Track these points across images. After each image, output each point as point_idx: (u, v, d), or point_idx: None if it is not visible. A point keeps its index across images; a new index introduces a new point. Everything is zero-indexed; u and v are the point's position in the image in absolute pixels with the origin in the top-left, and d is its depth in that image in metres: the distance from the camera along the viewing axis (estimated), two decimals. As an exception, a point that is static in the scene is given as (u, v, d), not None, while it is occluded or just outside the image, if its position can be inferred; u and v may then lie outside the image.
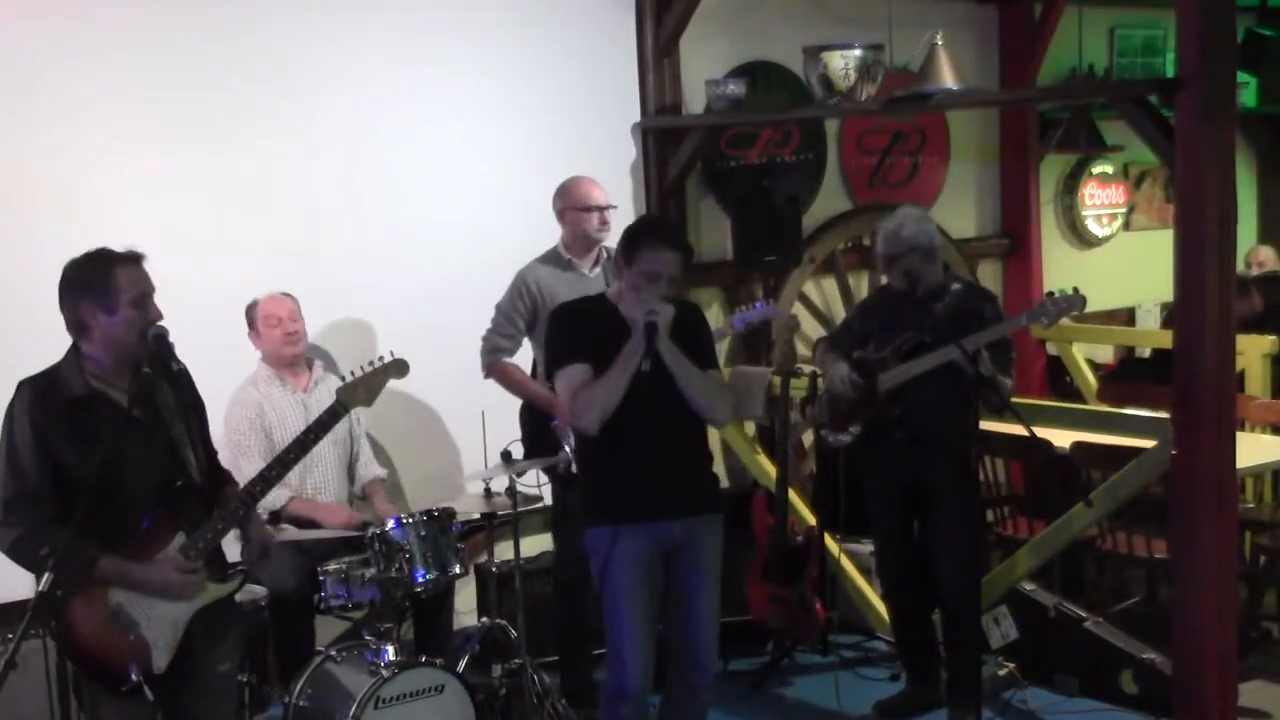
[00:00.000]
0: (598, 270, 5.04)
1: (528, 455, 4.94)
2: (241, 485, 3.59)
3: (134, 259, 3.35)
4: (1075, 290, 4.53)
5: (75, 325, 3.33)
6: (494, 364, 5.02)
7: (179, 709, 3.41)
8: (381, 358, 3.82)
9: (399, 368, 3.81)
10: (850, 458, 5.01)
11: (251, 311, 4.93)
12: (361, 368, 3.78)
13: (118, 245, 3.37)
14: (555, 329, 4.09)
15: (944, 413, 4.61)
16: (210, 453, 3.60)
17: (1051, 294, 4.85)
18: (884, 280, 5.05)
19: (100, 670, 3.29)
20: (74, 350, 3.36)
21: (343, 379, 3.88)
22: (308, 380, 4.98)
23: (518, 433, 5.03)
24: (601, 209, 5.01)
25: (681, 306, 4.01)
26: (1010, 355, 4.75)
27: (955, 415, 4.52)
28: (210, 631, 3.44)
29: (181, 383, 3.47)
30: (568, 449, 4.74)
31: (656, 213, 6.15)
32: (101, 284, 3.29)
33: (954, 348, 4.39)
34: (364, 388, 3.74)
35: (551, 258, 5.05)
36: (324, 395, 4.94)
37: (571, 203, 5.03)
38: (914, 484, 4.80)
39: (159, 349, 3.33)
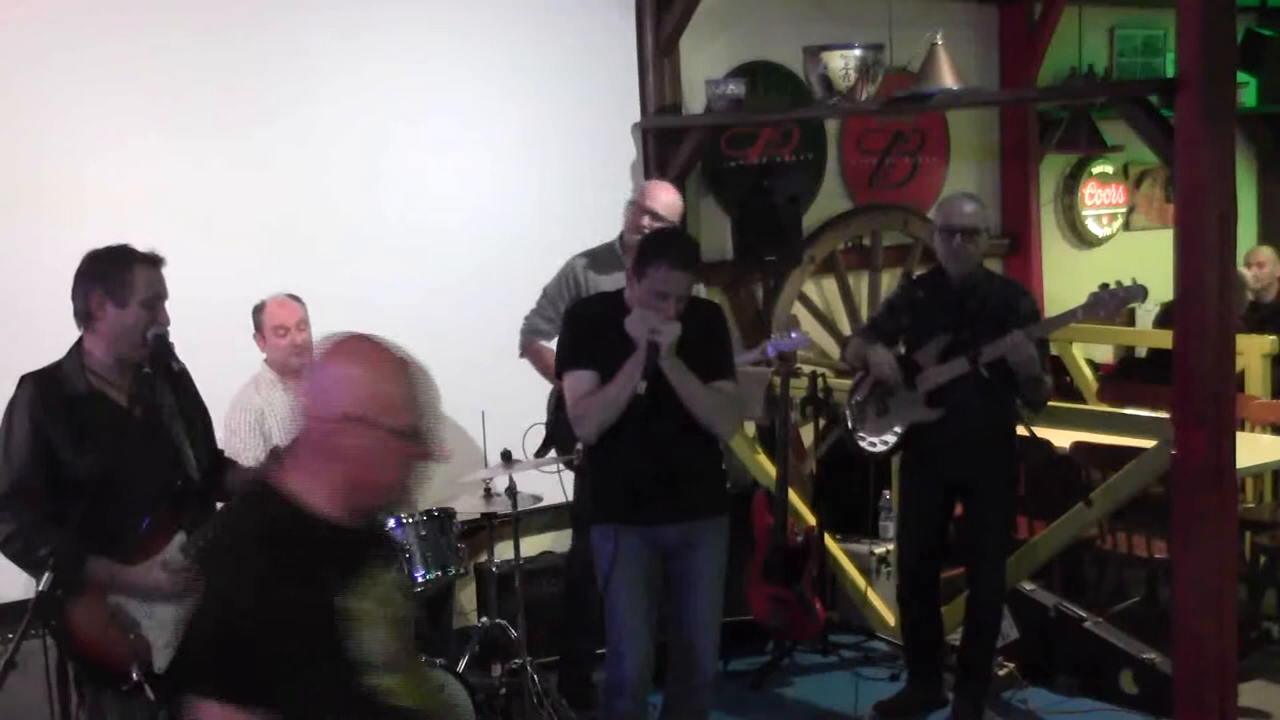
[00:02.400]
0: None
1: (549, 441, 4.93)
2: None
3: (154, 261, 3.38)
4: (1134, 280, 4.45)
5: (82, 314, 3.35)
6: (529, 344, 5.09)
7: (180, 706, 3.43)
8: None
9: None
10: (865, 457, 4.97)
11: (258, 315, 4.90)
12: None
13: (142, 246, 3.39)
14: (567, 328, 4.08)
15: (985, 414, 4.59)
16: (213, 452, 3.60)
17: (1107, 285, 4.72)
18: (926, 272, 4.97)
19: (101, 669, 3.29)
20: (77, 347, 3.37)
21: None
22: (309, 384, 4.98)
23: (518, 433, 5.01)
24: (653, 214, 4.96)
25: (699, 307, 3.99)
26: (1047, 350, 4.71)
27: (996, 416, 4.51)
28: None
29: (182, 383, 3.48)
30: None
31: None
32: (117, 277, 3.31)
33: (964, 360, 4.40)
34: None
35: (605, 249, 5.08)
36: (325, 398, 4.93)
37: (635, 197, 5.08)
38: (956, 486, 4.77)
39: (158, 348, 3.34)
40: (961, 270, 4.65)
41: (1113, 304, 4.49)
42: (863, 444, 4.92)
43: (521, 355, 5.12)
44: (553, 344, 4.97)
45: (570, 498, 5.03)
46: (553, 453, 4.96)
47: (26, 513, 3.24)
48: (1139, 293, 4.46)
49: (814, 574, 5.34)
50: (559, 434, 4.92)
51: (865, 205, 7.03)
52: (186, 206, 5.03)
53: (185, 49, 5.04)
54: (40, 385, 3.31)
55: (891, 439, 4.82)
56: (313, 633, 2.11)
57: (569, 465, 4.98)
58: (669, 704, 4.15)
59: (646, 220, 4.96)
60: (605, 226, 5.30)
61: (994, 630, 4.84)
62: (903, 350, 4.80)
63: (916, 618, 5.03)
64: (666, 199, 5.04)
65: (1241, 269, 6.95)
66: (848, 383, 5.10)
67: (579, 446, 4.71)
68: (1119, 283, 4.51)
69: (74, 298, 3.36)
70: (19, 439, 3.27)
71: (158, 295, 3.36)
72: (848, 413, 4.98)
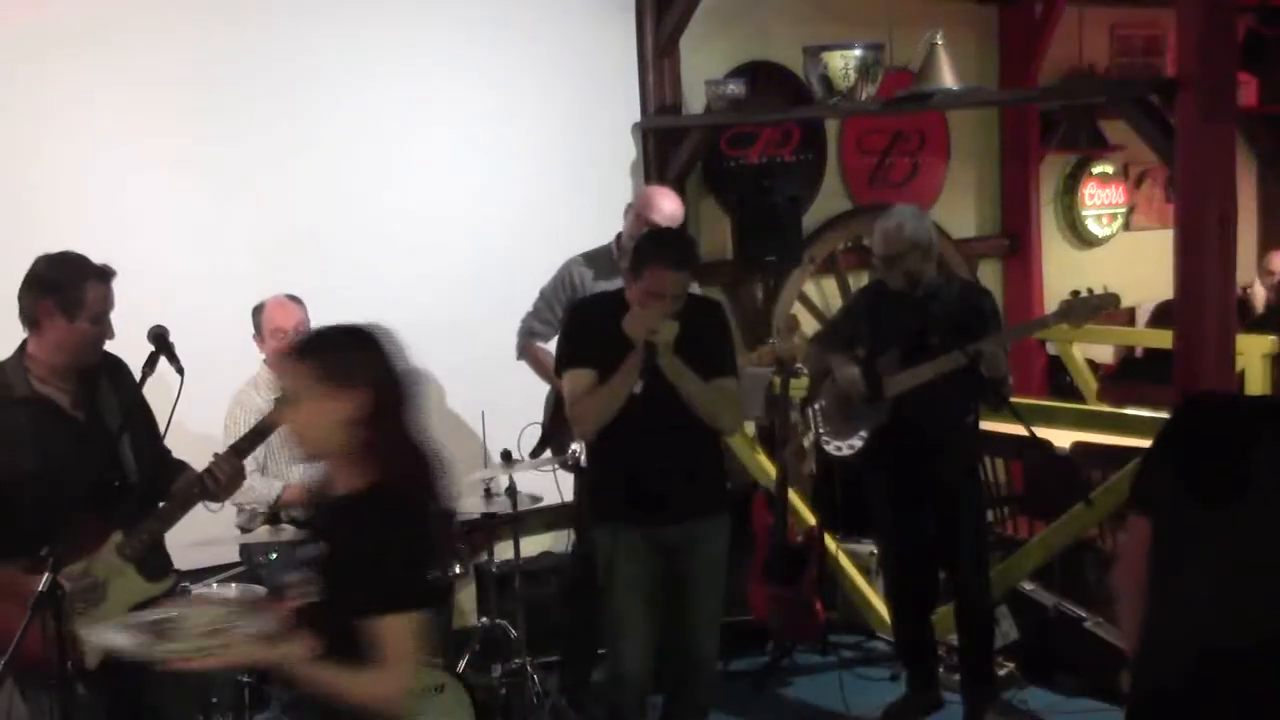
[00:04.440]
0: None
1: (545, 441, 4.93)
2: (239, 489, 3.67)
3: (106, 276, 3.39)
4: (1105, 289, 4.46)
5: (29, 319, 3.36)
6: (527, 345, 5.08)
7: (128, 702, 3.43)
8: None
9: None
10: (848, 460, 4.97)
11: (258, 316, 4.89)
12: None
13: (97, 257, 3.40)
14: (569, 327, 4.09)
15: (950, 414, 4.59)
16: (157, 452, 3.59)
17: (1077, 292, 4.74)
18: (875, 280, 4.99)
19: (31, 664, 3.22)
20: (20, 351, 3.40)
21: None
22: (309, 385, 4.97)
23: (517, 433, 5.02)
24: (654, 225, 4.93)
25: (700, 305, 3.99)
26: (1008, 350, 4.72)
27: (960, 416, 4.49)
28: None
29: (124, 383, 3.49)
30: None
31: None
32: (69, 291, 3.32)
33: (959, 354, 4.36)
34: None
35: (601, 254, 5.06)
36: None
37: (637, 207, 5.02)
38: (923, 486, 4.76)
39: (160, 348, 3.37)
40: (898, 287, 4.63)
41: (1084, 312, 4.48)
42: (829, 448, 4.93)
43: (519, 358, 5.12)
44: (550, 345, 4.99)
45: (570, 498, 5.04)
46: (548, 453, 4.97)
47: None
48: (1111, 300, 4.48)
49: (814, 574, 5.33)
50: (555, 435, 4.93)
51: (865, 205, 7.02)
52: (191, 209, 5.04)
53: (190, 54, 5.04)
54: None
55: (858, 443, 4.81)
56: None
57: (564, 466, 4.98)
58: (669, 704, 4.15)
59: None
60: (605, 226, 5.30)
61: (988, 630, 4.83)
62: (861, 354, 4.79)
63: (904, 621, 5.01)
64: (670, 209, 4.96)
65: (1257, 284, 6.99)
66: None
67: (574, 448, 4.72)
68: (1089, 290, 4.52)
69: (21, 300, 3.36)
70: None
71: (105, 310, 3.38)
72: (815, 418, 4.99)
